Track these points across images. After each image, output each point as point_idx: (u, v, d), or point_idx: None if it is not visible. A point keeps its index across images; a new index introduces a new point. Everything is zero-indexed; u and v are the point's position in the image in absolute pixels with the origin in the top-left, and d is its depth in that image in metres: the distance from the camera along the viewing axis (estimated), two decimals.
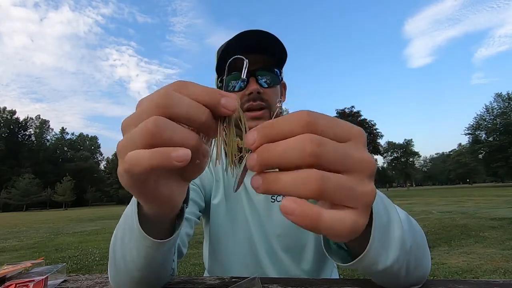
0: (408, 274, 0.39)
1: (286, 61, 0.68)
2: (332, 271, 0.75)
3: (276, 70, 0.66)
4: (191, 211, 0.62)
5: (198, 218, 0.67)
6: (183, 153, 0.21)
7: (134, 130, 0.22)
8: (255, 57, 0.63)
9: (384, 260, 0.34)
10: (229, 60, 0.34)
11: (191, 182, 0.66)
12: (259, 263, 0.69)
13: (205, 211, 0.73)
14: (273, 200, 0.69)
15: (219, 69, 0.69)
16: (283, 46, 0.63)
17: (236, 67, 0.60)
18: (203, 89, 0.23)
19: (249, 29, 0.62)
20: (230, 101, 0.23)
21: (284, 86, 0.75)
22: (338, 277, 0.78)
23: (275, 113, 0.38)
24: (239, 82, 0.65)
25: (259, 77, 0.64)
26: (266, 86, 0.65)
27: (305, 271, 0.69)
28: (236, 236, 0.70)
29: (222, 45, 0.66)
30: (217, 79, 0.71)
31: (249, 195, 0.70)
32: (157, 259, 0.39)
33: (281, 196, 0.70)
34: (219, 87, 0.71)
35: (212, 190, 0.71)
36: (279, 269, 0.69)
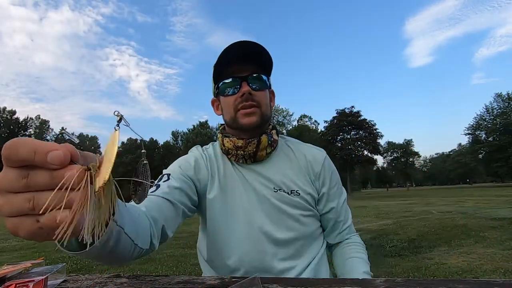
0: None
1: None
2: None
3: (264, 77, 0.77)
4: (179, 200, 0.67)
5: (190, 211, 0.72)
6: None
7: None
8: (246, 65, 0.74)
9: None
10: None
11: (184, 175, 0.73)
12: (260, 250, 0.73)
13: (200, 207, 0.78)
14: (276, 190, 0.75)
15: (216, 79, 0.78)
16: (269, 55, 0.73)
17: (230, 73, 0.73)
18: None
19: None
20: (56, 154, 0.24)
21: (272, 94, 0.85)
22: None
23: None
24: (232, 88, 0.74)
25: (250, 83, 0.74)
26: (257, 89, 0.74)
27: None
28: (234, 224, 0.75)
29: (221, 53, 0.72)
30: (214, 86, 0.80)
31: (247, 183, 0.77)
32: (102, 256, 0.41)
33: (286, 188, 0.76)
34: (215, 94, 0.81)
35: (207, 185, 0.77)
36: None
